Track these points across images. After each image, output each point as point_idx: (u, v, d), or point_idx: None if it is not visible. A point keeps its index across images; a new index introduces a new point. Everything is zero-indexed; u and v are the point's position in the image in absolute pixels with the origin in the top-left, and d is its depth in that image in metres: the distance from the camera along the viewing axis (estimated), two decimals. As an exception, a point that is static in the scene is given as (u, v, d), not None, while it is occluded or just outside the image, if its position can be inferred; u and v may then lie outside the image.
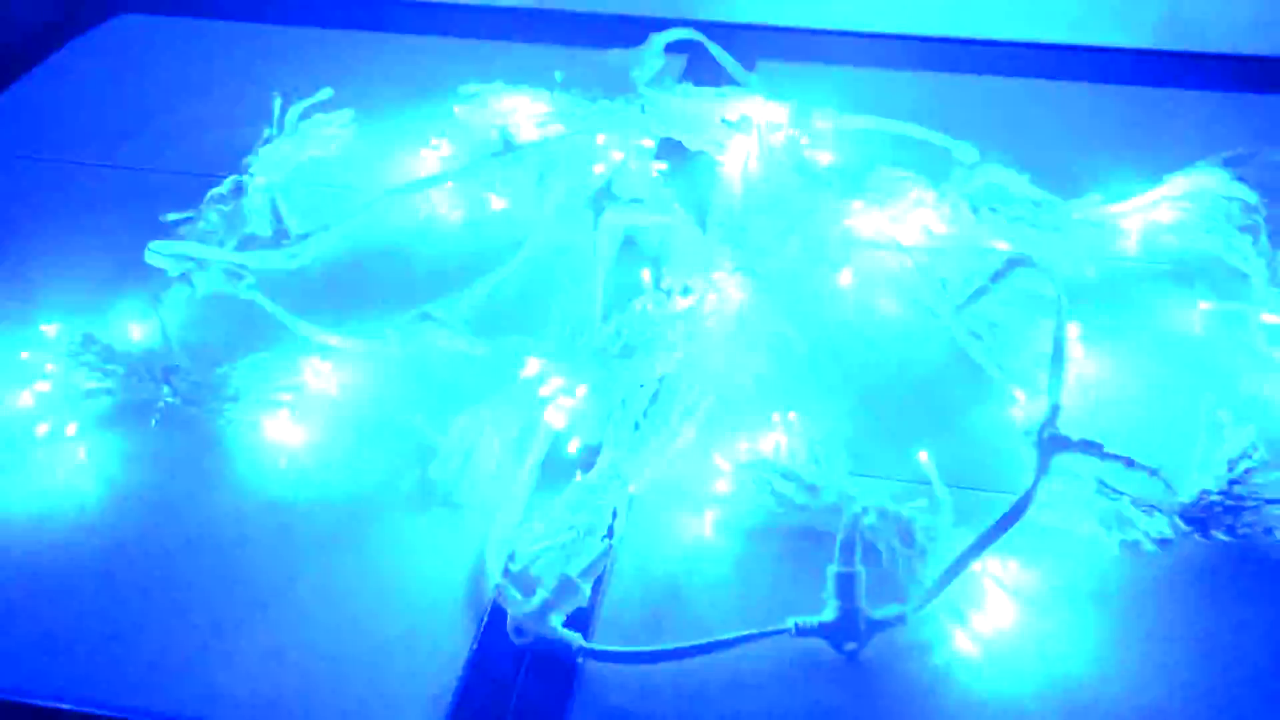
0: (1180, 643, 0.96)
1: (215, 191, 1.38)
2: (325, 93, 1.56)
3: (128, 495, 1.09)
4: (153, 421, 1.15)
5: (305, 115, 1.53)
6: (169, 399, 1.16)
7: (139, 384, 1.16)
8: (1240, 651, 0.95)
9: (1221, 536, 1.02)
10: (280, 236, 1.35)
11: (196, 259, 1.29)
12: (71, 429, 1.14)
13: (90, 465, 1.12)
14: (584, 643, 0.95)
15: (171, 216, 1.37)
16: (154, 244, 1.33)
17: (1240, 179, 1.33)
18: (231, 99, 1.62)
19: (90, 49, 1.78)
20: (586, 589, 0.98)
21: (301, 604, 1.00)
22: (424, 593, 1.01)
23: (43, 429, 1.14)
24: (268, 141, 1.48)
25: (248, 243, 1.35)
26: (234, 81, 1.67)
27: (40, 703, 0.94)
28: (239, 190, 1.39)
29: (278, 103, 1.53)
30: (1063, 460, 1.04)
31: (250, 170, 1.43)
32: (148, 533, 1.06)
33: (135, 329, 1.25)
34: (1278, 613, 0.98)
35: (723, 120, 1.50)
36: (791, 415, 1.12)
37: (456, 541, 1.05)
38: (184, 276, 1.27)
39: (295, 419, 1.15)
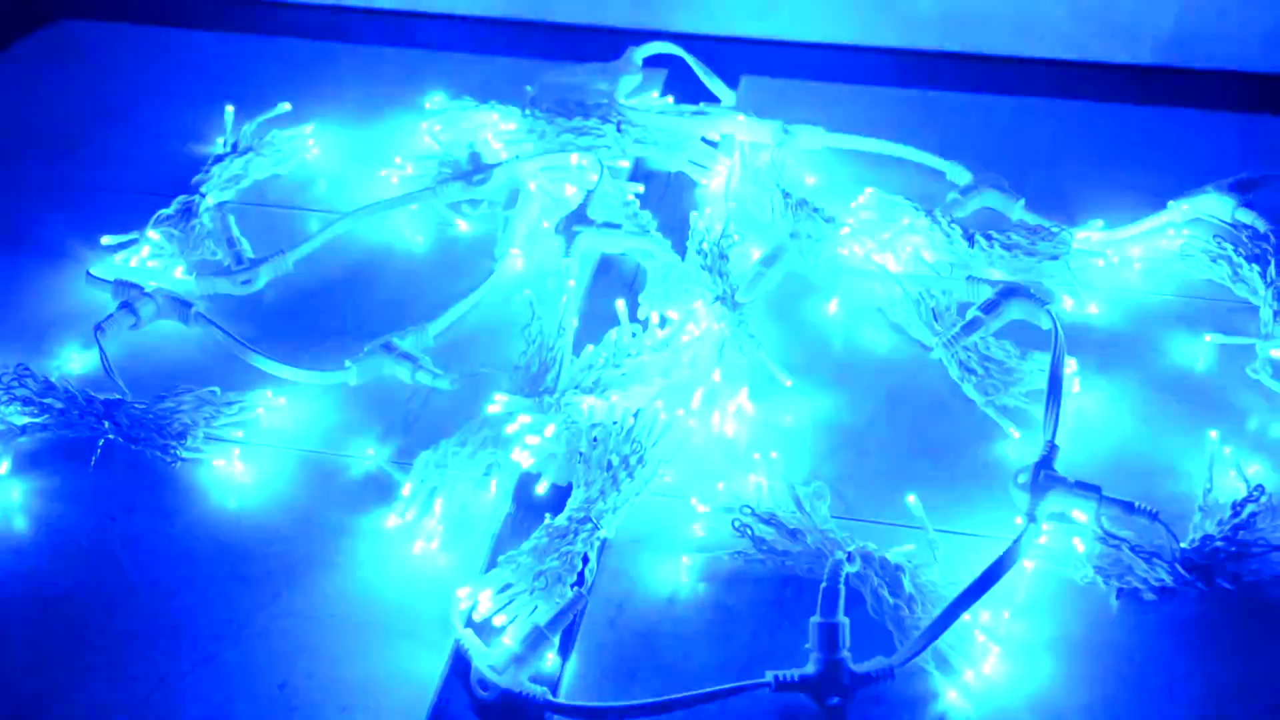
0: (1181, 698, 0.97)
1: (162, 212, 1.38)
2: (283, 106, 1.57)
3: (64, 539, 1.09)
4: (92, 460, 1.15)
5: (261, 130, 1.53)
6: (110, 435, 1.16)
7: (78, 419, 1.16)
8: (1245, 707, 0.96)
9: (1226, 585, 1.02)
10: (233, 261, 1.35)
11: (140, 285, 1.29)
12: (2, 467, 1.14)
13: (24, 506, 1.12)
14: (552, 697, 0.95)
15: (114, 239, 1.38)
16: (94, 268, 1.34)
17: (1249, 205, 1.35)
18: (181, 112, 1.62)
19: (28, 56, 1.77)
20: (555, 640, 0.98)
21: (251, 654, 1.00)
22: (382, 643, 1.01)
23: (-25, 467, 1.14)
24: (220, 158, 1.48)
25: (197, 268, 1.35)
26: (184, 93, 1.67)
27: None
28: (188, 211, 1.39)
29: (231, 116, 1.54)
30: (1058, 503, 1.05)
31: (201, 189, 1.43)
32: (86, 580, 1.05)
33: (74, 360, 1.25)
34: (1284, 666, 0.99)
35: (703, 139, 1.51)
36: (773, 455, 1.13)
37: (417, 588, 1.05)
38: (127, 304, 1.27)
39: (247, 457, 1.15)
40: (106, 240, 1.38)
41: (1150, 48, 1.72)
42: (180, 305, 1.28)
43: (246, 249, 1.36)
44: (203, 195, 1.42)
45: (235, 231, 1.38)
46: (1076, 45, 1.74)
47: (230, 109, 1.54)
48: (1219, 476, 1.10)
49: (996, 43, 1.76)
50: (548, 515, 1.06)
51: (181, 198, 1.40)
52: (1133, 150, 1.55)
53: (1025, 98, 1.66)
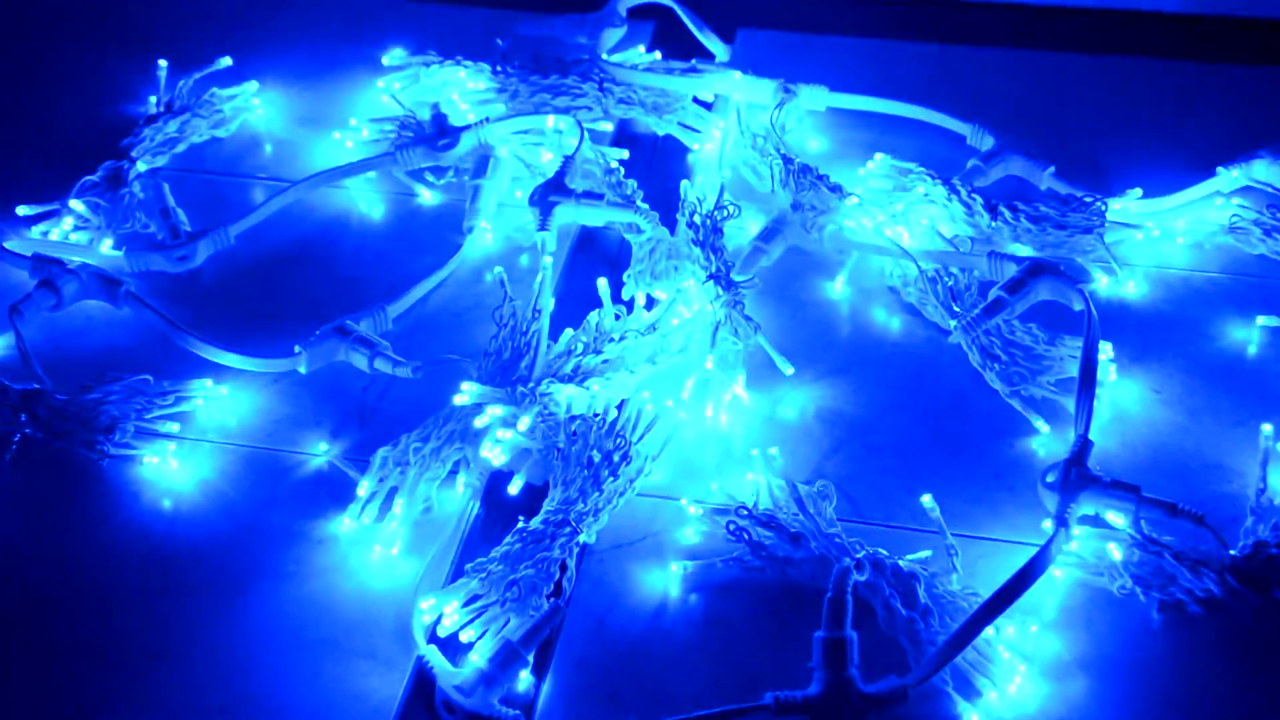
0: (1223, 684, 0.98)
1: (88, 179, 1.39)
2: (223, 61, 1.57)
3: (-20, 545, 1.09)
4: (6, 456, 1.15)
5: (199, 88, 1.53)
6: (28, 430, 1.15)
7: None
8: (1299, 731, 0.97)
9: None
10: (168, 234, 1.35)
11: (63, 261, 1.29)
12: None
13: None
14: (526, 722, 0.96)
15: (31, 209, 1.38)
16: (9, 243, 1.33)
17: (1310, 171, 1.36)
18: (109, 67, 1.62)
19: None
20: (530, 657, 0.98)
21: (189, 675, 1.00)
22: (335, 661, 1.01)
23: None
24: (153, 120, 1.48)
25: (127, 242, 1.35)
26: (112, 46, 1.66)
27: None
28: (117, 178, 1.39)
29: (164, 72, 1.54)
30: (1092, 505, 1.06)
31: (131, 154, 1.43)
32: (6, 588, 1.06)
33: (-10, 345, 1.26)
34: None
35: (695, 100, 1.51)
36: (772, 450, 1.13)
37: (374, 600, 1.05)
38: (47, 282, 1.27)
39: (183, 454, 1.15)
40: (23, 211, 1.38)
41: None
42: (108, 284, 1.28)
43: (183, 221, 1.36)
44: (133, 160, 1.42)
45: (170, 201, 1.38)
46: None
47: (164, 64, 1.54)
48: (1273, 475, 1.10)
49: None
50: (521, 518, 1.06)
51: (109, 163, 1.40)
52: (1177, 109, 1.55)
53: (1055, 52, 1.65)
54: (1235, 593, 1.02)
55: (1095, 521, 1.06)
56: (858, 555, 1.02)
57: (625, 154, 1.44)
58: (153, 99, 1.52)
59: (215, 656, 1.01)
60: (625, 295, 1.26)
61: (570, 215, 1.35)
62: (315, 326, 1.23)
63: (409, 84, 1.55)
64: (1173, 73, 1.61)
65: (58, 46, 1.68)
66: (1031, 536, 1.07)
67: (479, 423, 1.13)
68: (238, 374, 1.22)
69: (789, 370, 1.21)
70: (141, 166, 1.42)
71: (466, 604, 1.01)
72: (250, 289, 1.33)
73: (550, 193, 1.34)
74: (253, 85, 1.56)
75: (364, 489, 1.10)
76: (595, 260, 1.35)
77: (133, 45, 1.64)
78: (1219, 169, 1.37)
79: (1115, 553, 1.05)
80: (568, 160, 1.37)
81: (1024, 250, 1.32)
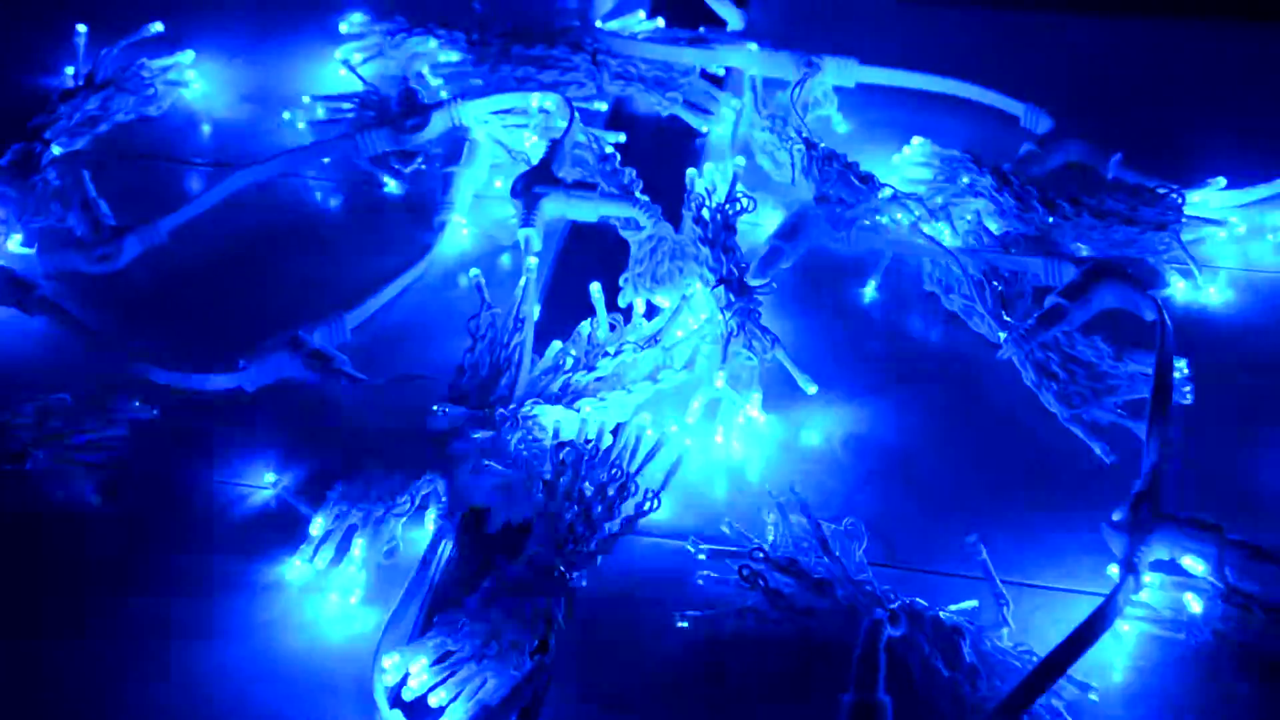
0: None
1: (-6, 163, 1.40)
2: (154, 27, 1.58)
3: None
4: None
5: (125, 58, 1.54)
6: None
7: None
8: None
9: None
10: (88, 230, 1.35)
11: (-32, 260, 1.30)
12: None
13: None
14: (505, 799, 0.97)
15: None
16: (-90, 239, 1.35)
17: None
18: (18, 34, 1.63)
19: None
20: (510, 724, 0.99)
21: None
22: (285, 726, 1.02)
23: None
24: (71, 95, 1.49)
25: (40, 237, 1.36)
26: (22, 8, 1.68)
27: None
28: (28, 162, 1.40)
29: (83, 39, 1.55)
30: (1166, 548, 1.06)
31: (45, 135, 1.44)
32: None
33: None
34: None
35: (703, 74, 1.53)
36: (793, 484, 1.14)
37: (330, 656, 1.05)
38: (-50, 284, 1.28)
39: (107, 483, 1.16)
40: (-79, 201, 1.38)
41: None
42: (18, 286, 1.29)
43: (106, 214, 1.37)
44: (47, 143, 1.43)
45: (91, 191, 1.39)
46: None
47: (83, 30, 1.56)
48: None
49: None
50: (501, 561, 1.06)
51: (17, 145, 1.42)
52: (1264, 84, 1.56)
53: (1122, 18, 1.66)
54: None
55: (1170, 568, 1.07)
56: (892, 605, 1.02)
57: (622, 137, 1.45)
58: (70, 70, 1.54)
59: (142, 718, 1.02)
60: (622, 302, 1.27)
61: (558, 209, 1.36)
62: (262, 337, 1.23)
63: (371, 55, 1.56)
64: (1260, 38, 1.62)
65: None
66: (1096, 585, 1.07)
67: (452, 450, 1.13)
68: (171, 393, 1.23)
69: (812, 389, 1.21)
70: (57, 150, 1.44)
71: (436, 662, 1.01)
72: (186, 293, 1.34)
73: (535, 183, 1.35)
74: (188, 55, 1.57)
75: (317, 527, 1.11)
76: (588, 261, 1.35)
77: (46, 7, 1.66)
78: (1317, 153, 1.39)
79: (1194, 604, 1.05)
80: (555, 145, 1.38)
81: (1087, 250, 1.33)
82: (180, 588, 1.10)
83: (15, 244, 1.35)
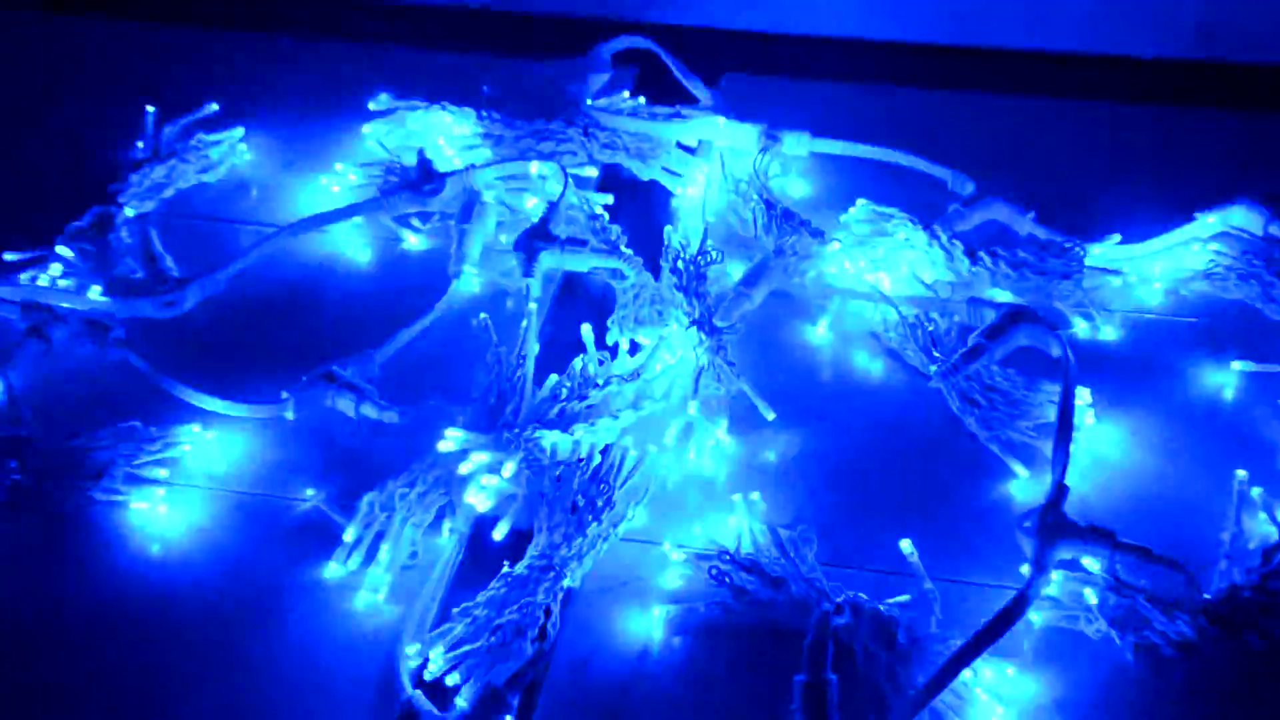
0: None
1: (75, 225, 1.40)
2: (210, 107, 1.58)
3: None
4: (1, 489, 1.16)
5: (186, 133, 1.54)
6: (16, 477, 1.16)
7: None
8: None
9: (1255, 641, 1.04)
10: (155, 280, 1.36)
11: (52, 307, 1.31)
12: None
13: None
14: (510, 765, 0.98)
15: (18, 255, 1.38)
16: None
17: (1284, 218, 1.37)
18: (95, 112, 1.63)
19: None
20: (514, 701, 1.00)
21: (182, 713, 1.01)
22: (321, 706, 1.02)
23: None
24: (140, 164, 1.49)
25: (115, 287, 1.35)
26: (99, 90, 1.68)
27: None
28: (104, 223, 1.40)
29: (152, 117, 1.55)
30: (1069, 549, 1.07)
31: (119, 199, 1.44)
32: (-6, 635, 1.07)
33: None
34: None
35: (679, 145, 1.53)
36: (754, 495, 1.15)
37: (360, 645, 1.06)
38: (36, 328, 1.29)
39: (172, 499, 1.17)
40: (9, 257, 1.39)
41: (1179, 39, 1.72)
42: (96, 329, 1.29)
43: (170, 266, 1.38)
44: (121, 205, 1.43)
45: (157, 246, 1.40)
46: (1094, 37, 1.74)
47: (151, 110, 1.56)
48: (1247, 520, 1.12)
49: (1004, 35, 1.76)
50: (506, 563, 1.07)
51: (96, 209, 1.41)
52: (1155, 156, 1.57)
53: (1036, 97, 1.67)
54: (1209, 636, 1.04)
55: (1072, 566, 1.08)
56: (838, 599, 1.04)
57: (609, 199, 1.45)
58: (140, 144, 1.53)
59: (202, 701, 1.02)
60: (609, 341, 1.27)
61: (555, 261, 1.36)
62: (302, 371, 1.24)
63: (395, 129, 1.56)
64: (1152, 119, 1.63)
65: (45, 92, 1.69)
66: (1009, 580, 1.08)
67: (464, 469, 1.14)
68: (226, 420, 1.23)
69: (771, 415, 1.22)
70: (129, 212, 1.44)
71: (451, 648, 1.02)
72: (238, 334, 1.34)
73: (535, 238, 1.35)
74: (239, 131, 1.57)
75: (350, 534, 1.11)
76: (580, 306, 1.36)
77: (120, 91, 1.65)
78: (1197, 215, 1.39)
79: (1091, 597, 1.06)
80: (552, 206, 1.39)
81: (1003, 296, 1.33)
82: (235, 584, 1.11)
83: (94, 293, 1.35)
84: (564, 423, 1.18)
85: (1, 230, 1.42)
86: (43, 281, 1.37)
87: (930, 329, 1.29)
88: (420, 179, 1.45)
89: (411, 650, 1.03)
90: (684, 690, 1.03)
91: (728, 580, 1.07)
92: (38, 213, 1.44)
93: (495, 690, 1.00)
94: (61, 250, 1.38)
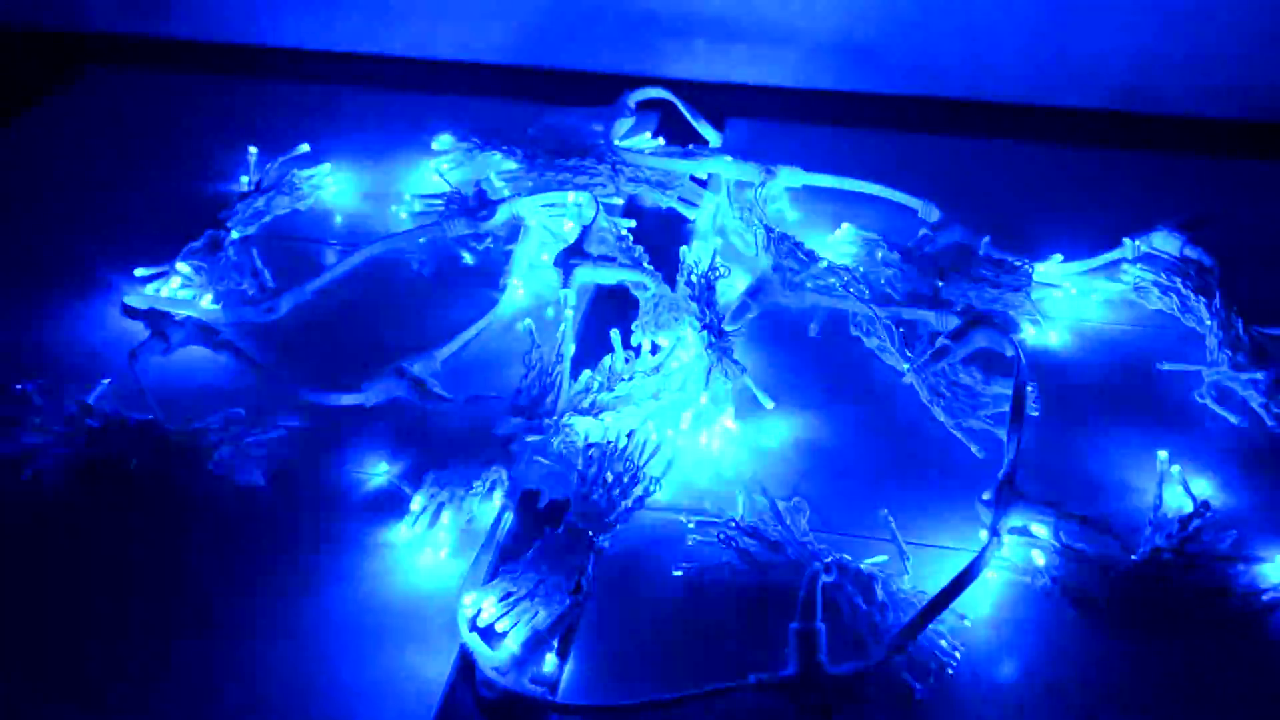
0: (1116, 689, 0.99)
1: (192, 246, 1.40)
2: (302, 148, 1.58)
3: (111, 544, 1.11)
4: (131, 464, 1.16)
5: (282, 169, 1.55)
6: (144, 453, 1.17)
7: (112, 438, 1.18)
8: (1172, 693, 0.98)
9: (1174, 594, 1.04)
10: (256, 291, 1.36)
11: (171, 314, 1.31)
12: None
13: (82, 508, 1.14)
14: (551, 697, 0.97)
15: (146, 271, 1.39)
16: (129, 299, 1.35)
17: (1196, 242, 1.36)
18: (208, 153, 1.63)
19: (63, 105, 1.77)
20: (555, 644, 1.00)
21: (275, 650, 1.02)
22: (394, 646, 1.02)
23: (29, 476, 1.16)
24: (245, 196, 1.49)
25: (224, 297, 1.36)
26: (211, 136, 1.68)
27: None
28: (215, 244, 1.40)
29: (254, 157, 1.55)
30: (1020, 518, 1.07)
31: (227, 224, 1.44)
32: (122, 574, 1.08)
33: (109, 384, 1.25)
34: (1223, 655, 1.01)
35: (692, 178, 1.53)
36: (756, 472, 1.15)
37: (425, 596, 1.06)
38: (158, 332, 1.29)
39: (270, 473, 1.17)
40: (140, 272, 1.39)
41: (1107, 95, 1.73)
42: (208, 332, 1.29)
43: (269, 279, 1.38)
44: (229, 230, 1.43)
45: (258, 263, 1.40)
46: (1038, 91, 1.75)
47: (254, 150, 1.56)
48: (1168, 493, 1.12)
49: (963, 88, 1.76)
50: (547, 528, 1.07)
51: (209, 232, 1.42)
52: (1090, 191, 1.56)
53: (992, 140, 1.66)
54: (1136, 589, 1.04)
55: (1023, 532, 1.07)
56: (826, 560, 1.03)
57: (633, 223, 1.44)
58: (245, 178, 1.54)
59: (295, 639, 1.03)
60: (634, 342, 1.26)
61: (588, 275, 1.36)
62: (377, 368, 1.24)
63: (455, 165, 1.56)
64: (1089, 159, 1.62)
65: (168, 135, 1.69)
66: (970, 544, 1.08)
67: (513, 449, 1.14)
68: (315, 407, 1.23)
69: (770, 405, 1.22)
70: (235, 234, 1.44)
71: (502, 599, 1.02)
72: (324, 336, 1.34)
73: (571, 256, 1.35)
74: (326, 167, 1.57)
75: (417, 503, 1.11)
76: (609, 313, 1.35)
77: (229, 134, 1.66)
78: (1124, 239, 1.38)
79: (1039, 558, 1.06)
80: (586, 229, 1.38)
81: (964, 305, 1.32)
82: (320, 546, 1.11)
83: (207, 302, 1.35)
84: (596, 411, 1.17)
85: (134, 250, 1.43)
86: (165, 292, 1.37)
87: (903, 333, 1.28)
88: (475, 206, 1.45)
89: (469, 601, 1.03)
90: (697, 637, 1.03)
91: (734, 544, 1.07)
92: (162, 236, 1.45)
93: (539, 634, 0.99)
94: (181, 267, 1.38)
